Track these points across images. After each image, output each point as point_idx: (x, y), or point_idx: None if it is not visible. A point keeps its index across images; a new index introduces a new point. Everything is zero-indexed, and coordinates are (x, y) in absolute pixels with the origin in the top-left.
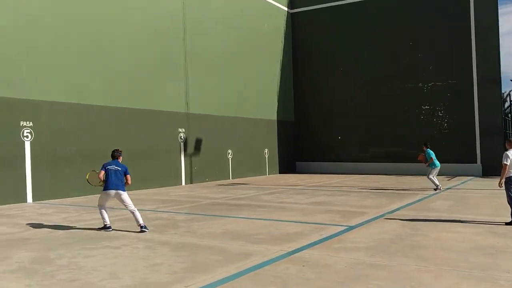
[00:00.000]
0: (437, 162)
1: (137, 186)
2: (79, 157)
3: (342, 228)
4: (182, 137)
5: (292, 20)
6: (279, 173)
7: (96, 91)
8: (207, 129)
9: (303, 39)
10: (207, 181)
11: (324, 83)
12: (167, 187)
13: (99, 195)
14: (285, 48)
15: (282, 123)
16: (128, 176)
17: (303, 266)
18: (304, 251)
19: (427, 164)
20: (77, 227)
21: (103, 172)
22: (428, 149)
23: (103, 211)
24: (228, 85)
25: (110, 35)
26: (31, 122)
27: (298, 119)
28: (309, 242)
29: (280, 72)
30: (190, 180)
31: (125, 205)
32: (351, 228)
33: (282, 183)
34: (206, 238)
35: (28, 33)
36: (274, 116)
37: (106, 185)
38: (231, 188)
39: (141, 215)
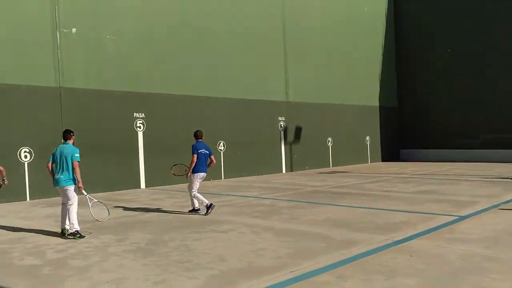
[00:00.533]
0: None
1: (239, 173)
2: (186, 145)
3: (452, 218)
4: (282, 126)
5: (395, 0)
6: (382, 161)
7: (201, 83)
8: (306, 117)
9: (407, 20)
10: (307, 169)
11: (430, 66)
12: (267, 175)
13: (202, 182)
14: (387, 31)
15: (384, 109)
16: (212, 156)
17: (411, 256)
18: (411, 241)
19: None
20: (186, 212)
21: (196, 155)
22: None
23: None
24: (328, 72)
25: (214, 29)
26: (143, 114)
27: (402, 105)
28: (416, 232)
29: (382, 57)
30: (290, 168)
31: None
32: (462, 218)
33: (385, 172)
34: (309, 225)
35: (143, 30)
36: (376, 102)
37: (198, 168)
38: (332, 176)
39: (244, 201)
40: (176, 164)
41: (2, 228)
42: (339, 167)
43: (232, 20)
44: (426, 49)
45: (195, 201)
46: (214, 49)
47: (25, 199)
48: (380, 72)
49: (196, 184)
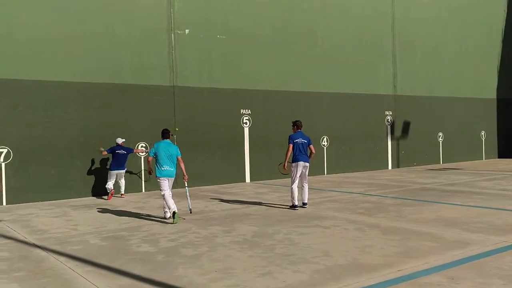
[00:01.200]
0: None
1: (343, 169)
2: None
3: None
4: (389, 120)
5: None
6: (498, 157)
7: (305, 78)
8: (415, 111)
9: None
10: (415, 166)
11: None
12: (372, 171)
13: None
14: (507, 17)
15: (503, 102)
16: (311, 146)
17: None
18: None
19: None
20: (288, 205)
21: (291, 145)
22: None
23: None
24: (439, 63)
25: (321, 23)
26: (249, 110)
27: None
28: None
29: (501, 44)
30: (397, 164)
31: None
32: None
33: (503, 169)
34: (418, 224)
35: (250, 26)
36: (493, 94)
37: (295, 157)
38: (442, 173)
39: (349, 197)
40: (281, 163)
41: (126, 216)
42: (451, 163)
43: (339, 12)
44: None
45: (294, 195)
46: (320, 44)
47: (141, 191)
48: (499, 61)
49: (296, 174)
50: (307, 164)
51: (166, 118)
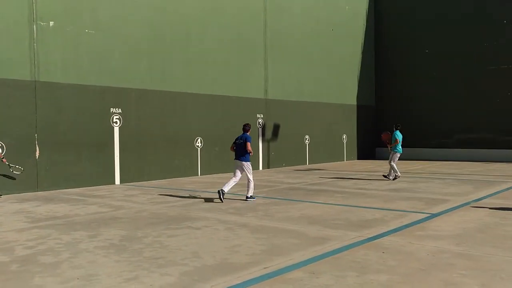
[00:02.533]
0: (400, 148)
1: (217, 169)
2: (163, 141)
3: (423, 216)
4: (260, 123)
5: (375, 1)
6: (358, 159)
7: (179, 79)
8: (285, 114)
9: (386, 19)
10: (284, 166)
11: (408, 66)
12: None
13: (178, 179)
14: (366, 31)
15: (362, 108)
16: (248, 143)
17: (383, 252)
18: (383, 238)
19: (390, 146)
20: (161, 208)
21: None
22: (397, 131)
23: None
24: (307, 70)
25: (197, 25)
26: (120, 109)
27: (379, 104)
28: (389, 229)
29: (361, 56)
30: (267, 165)
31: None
32: (433, 216)
33: (361, 169)
34: (284, 222)
35: (121, 24)
36: (354, 101)
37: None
38: (308, 174)
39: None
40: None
41: None
42: (316, 164)
43: (213, 17)
44: (405, 49)
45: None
46: (194, 46)
47: None
48: (359, 71)
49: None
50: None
51: (26, 115)
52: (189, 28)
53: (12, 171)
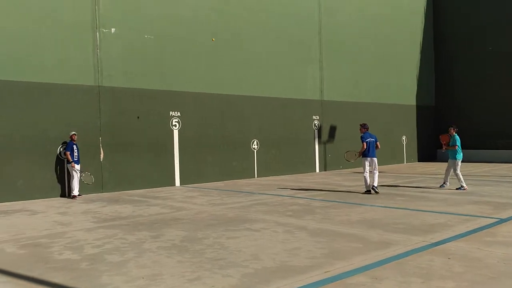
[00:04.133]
0: (461, 154)
1: (273, 172)
2: (220, 144)
3: (492, 221)
4: (316, 125)
5: None
6: (418, 161)
7: (236, 81)
8: (341, 116)
9: (445, 17)
10: (341, 169)
11: (469, 65)
12: (301, 174)
13: (236, 181)
14: (425, 28)
15: (421, 108)
16: (377, 143)
17: (449, 258)
18: (449, 243)
19: (445, 148)
20: (220, 210)
21: (365, 144)
22: (456, 135)
23: (367, 175)
24: (364, 70)
25: (254, 26)
26: (179, 112)
27: (440, 104)
28: (454, 234)
29: (420, 55)
30: (324, 167)
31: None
32: (502, 221)
33: (422, 172)
34: (343, 225)
35: (179, 28)
36: (413, 101)
37: (367, 153)
38: None
39: (278, 200)
40: (348, 151)
41: (47, 221)
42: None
43: (268, 19)
44: (466, 47)
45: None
46: (251, 49)
47: (64, 196)
48: (418, 70)
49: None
50: (375, 158)
51: (91, 119)
52: (246, 30)
53: (84, 181)
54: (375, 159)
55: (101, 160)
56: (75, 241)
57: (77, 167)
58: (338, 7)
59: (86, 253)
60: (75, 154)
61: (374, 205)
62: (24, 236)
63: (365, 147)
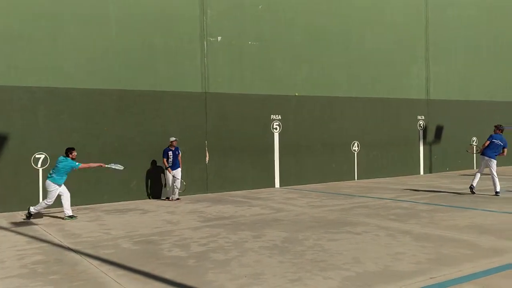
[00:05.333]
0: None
1: (374, 174)
2: (320, 146)
3: None
4: (421, 125)
5: None
6: None
7: (337, 83)
8: (448, 115)
9: None
10: (447, 171)
11: None
12: (404, 176)
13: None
14: None
15: None
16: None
17: None
18: None
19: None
20: (320, 212)
21: (488, 141)
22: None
23: (479, 174)
24: (474, 66)
25: (357, 26)
26: (279, 115)
27: None
28: None
29: None
30: (429, 169)
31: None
32: None
33: None
34: (450, 230)
35: (282, 32)
36: None
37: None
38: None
39: (380, 203)
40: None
41: (157, 220)
42: (486, 168)
43: (372, 17)
44: None
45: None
46: (352, 49)
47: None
48: None
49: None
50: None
51: (198, 124)
52: (349, 29)
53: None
54: (486, 159)
55: (207, 162)
56: (183, 239)
57: (174, 172)
58: (447, 1)
59: (193, 251)
60: (170, 159)
61: (487, 210)
62: (138, 233)
63: (487, 144)
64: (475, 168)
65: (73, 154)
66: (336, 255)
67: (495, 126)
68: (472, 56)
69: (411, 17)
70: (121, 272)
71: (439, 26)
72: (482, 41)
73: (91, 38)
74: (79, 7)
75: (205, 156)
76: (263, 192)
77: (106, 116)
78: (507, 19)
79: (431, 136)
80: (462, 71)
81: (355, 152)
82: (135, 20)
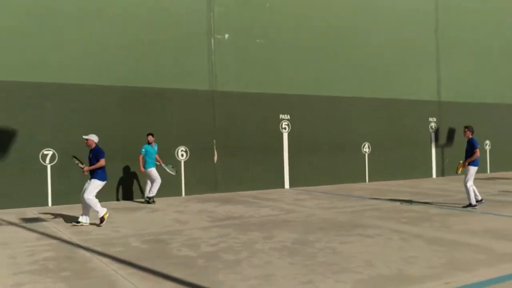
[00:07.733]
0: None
1: (385, 176)
2: (330, 147)
3: None
4: (432, 127)
5: None
6: None
7: (346, 83)
8: (460, 117)
9: None
10: (459, 174)
11: None
12: (415, 179)
13: (345, 185)
14: None
15: None
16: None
17: None
18: None
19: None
20: (330, 214)
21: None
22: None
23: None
24: (487, 68)
25: (365, 26)
26: (288, 115)
27: None
28: None
29: None
30: (442, 172)
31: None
32: None
33: None
34: (464, 235)
35: (289, 32)
36: None
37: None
38: (491, 183)
39: (392, 206)
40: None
41: (167, 219)
42: (499, 173)
43: (381, 17)
44: None
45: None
46: (362, 48)
47: (181, 195)
48: None
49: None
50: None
51: (205, 122)
52: (356, 30)
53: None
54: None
55: (215, 161)
56: (192, 238)
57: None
58: (457, 2)
59: (202, 250)
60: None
61: (500, 214)
62: (147, 231)
63: (478, 154)
64: (488, 172)
65: (148, 138)
66: (348, 258)
67: (469, 128)
68: (483, 57)
69: (421, 18)
70: (131, 270)
71: (449, 28)
72: (494, 42)
73: (98, 34)
74: (85, 2)
75: (214, 155)
76: (273, 192)
77: (112, 113)
78: None
79: (443, 138)
80: (474, 72)
81: (366, 154)
82: (142, 16)
